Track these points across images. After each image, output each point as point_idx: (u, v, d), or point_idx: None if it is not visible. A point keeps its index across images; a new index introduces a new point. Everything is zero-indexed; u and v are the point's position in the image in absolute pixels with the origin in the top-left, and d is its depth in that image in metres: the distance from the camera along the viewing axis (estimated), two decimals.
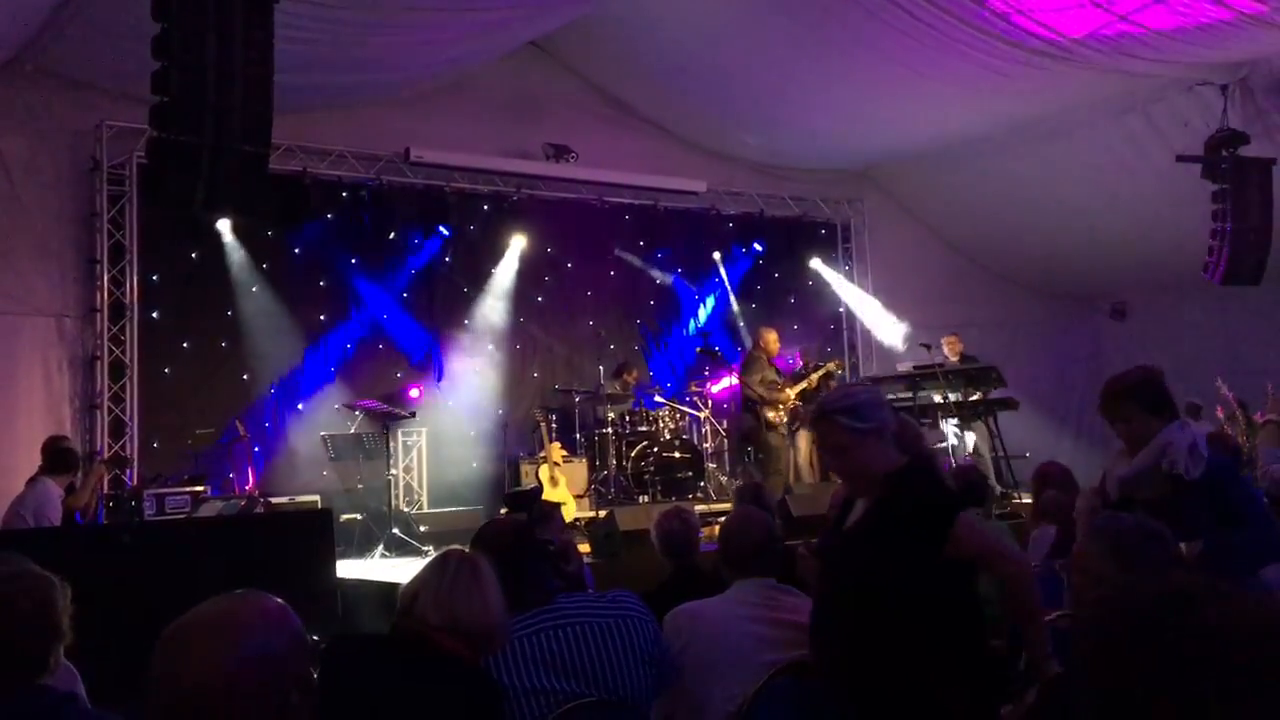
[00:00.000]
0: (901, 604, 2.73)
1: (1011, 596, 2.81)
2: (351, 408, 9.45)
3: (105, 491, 8.54)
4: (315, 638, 1.65)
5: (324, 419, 9.83)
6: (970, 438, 10.11)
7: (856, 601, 2.83)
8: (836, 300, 13.33)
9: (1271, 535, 3.64)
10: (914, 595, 2.73)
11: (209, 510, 7.97)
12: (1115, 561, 2.61)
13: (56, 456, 7.14)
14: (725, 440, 11.20)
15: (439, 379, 10.82)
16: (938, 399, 9.88)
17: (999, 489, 9.40)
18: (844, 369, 12.82)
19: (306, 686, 1.57)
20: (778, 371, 9.60)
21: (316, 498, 8.99)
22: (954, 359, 10.47)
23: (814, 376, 9.85)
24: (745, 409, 9.50)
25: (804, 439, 10.26)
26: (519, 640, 2.75)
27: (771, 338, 9.78)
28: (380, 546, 7.97)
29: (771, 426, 9.15)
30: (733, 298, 12.63)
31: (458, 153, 10.67)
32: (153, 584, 5.26)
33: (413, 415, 9.42)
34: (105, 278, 9.12)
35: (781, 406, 9.17)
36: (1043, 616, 2.81)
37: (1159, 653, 1.11)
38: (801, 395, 9.49)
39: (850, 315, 13.39)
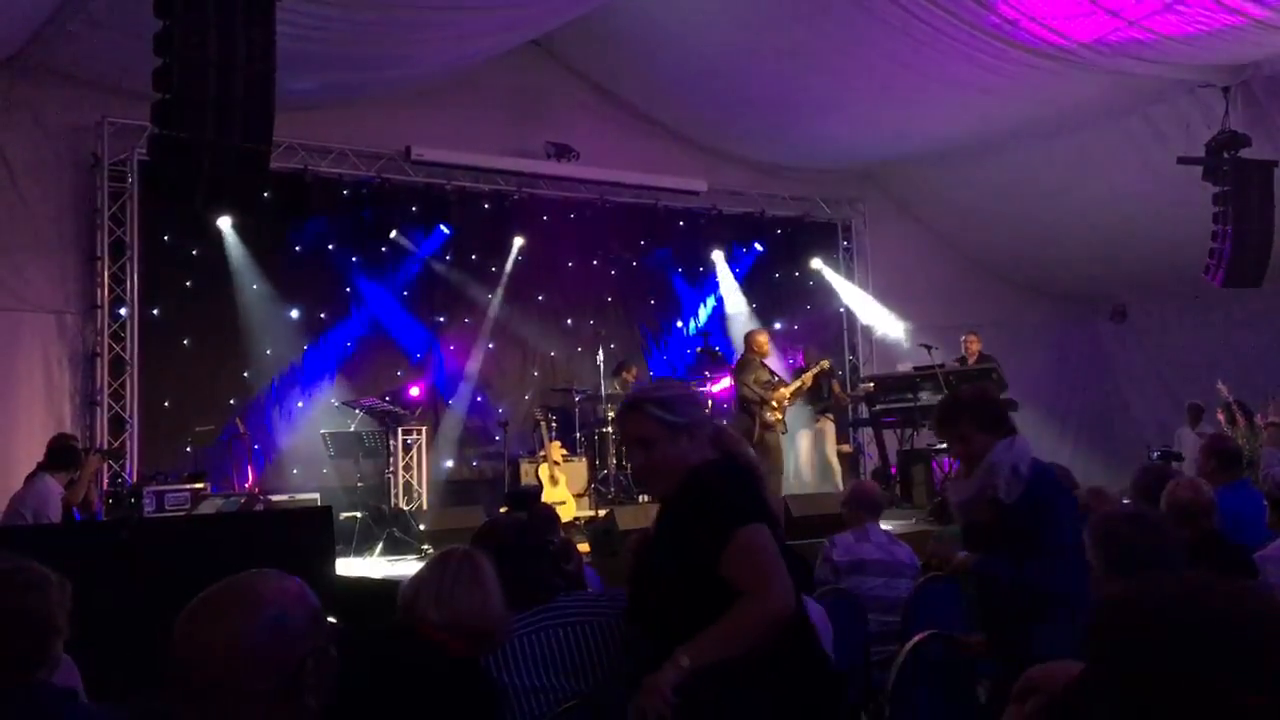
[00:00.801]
0: (688, 610, 2.46)
1: (733, 615, 2.38)
2: (352, 405, 9.44)
3: (105, 488, 8.54)
4: (333, 620, 1.69)
5: (324, 417, 9.83)
6: None
7: (654, 609, 2.62)
8: (837, 300, 13.33)
9: (1058, 577, 3.28)
10: (698, 600, 2.45)
11: (209, 508, 7.97)
12: (1108, 554, 2.60)
13: (57, 453, 7.13)
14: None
15: (440, 379, 10.83)
16: (938, 400, 9.85)
17: None
18: (841, 369, 12.82)
19: (324, 658, 1.61)
20: (770, 372, 9.57)
21: (316, 496, 8.98)
22: (971, 358, 10.45)
23: (807, 375, 9.82)
24: (742, 410, 9.52)
25: (804, 439, 10.26)
26: (519, 638, 2.75)
27: (762, 339, 9.74)
28: (380, 545, 7.96)
29: (768, 426, 9.14)
30: (733, 297, 12.63)
31: (459, 151, 10.67)
32: (152, 581, 5.25)
33: (414, 414, 9.42)
34: (106, 274, 9.12)
35: (777, 406, 9.15)
36: (729, 650, 2.36)
37: (1179, 647, 1.11)
38: (795, 394, 9.48)
39: (851, 315, 13.39)
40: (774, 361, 10.27)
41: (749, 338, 9.86)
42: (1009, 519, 3.40)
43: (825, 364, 10.15)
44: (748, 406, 9.34)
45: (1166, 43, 8.58)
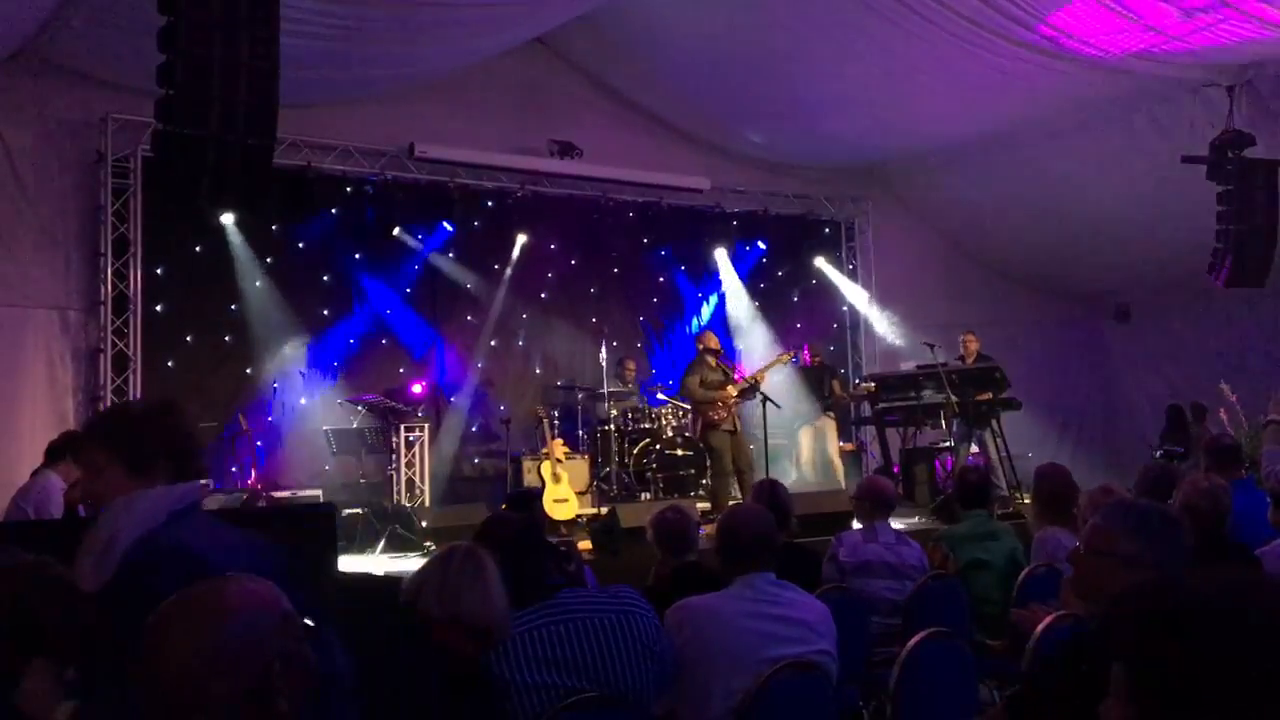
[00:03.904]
0: None
1: None
2: (354, 402, 9.45)
3: None
4: (309, 622, 1.66)
5: (326, 414, 9.83)
6: (977, 436, 10.07)
7: None
8: (840, 298, 13.33)
9: None
10: None
11: (210, 504, 7.96)
12: (1138, 541, 2.52)
13: (51, 447, 7.09)
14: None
15: (442, 376, 10.83)
16: (943, 398, 9.84)
17: (1004, 490, 9.38)
18: (843, 368, 12.80)
19: (294, 660, 1.58)
20: (724, 372, 9.37)
21: (319, 492, 8.99)
22: (970, 357, 10.44)
23: (760, 372, 9.68)
24: (692, 410, 9.42)
25: (805, 437, 10.25)
26: (522, 635, 2.74)
27: (711, 339, 9.60)
28: (382, 542, 7.97)
29: (710, 425, 9.05)
30: (736, 295, 12.62)
31: (462, 149, 10.67)
32: None
33: (417, 412, 9.42)
34: (109, 271, 9.12)
35: (721, 405, 9.03)
36: None
37: (1218, 640, 1.11)
38: (743, 392, 9.33)
39: (853, 313, 13.39)
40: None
41: (699, 338, 9.77)
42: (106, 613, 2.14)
43: (785, 358, 10.04)
44: (695, 406, 9.30)
45: (1204, 51, 8.75)
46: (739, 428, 9.00)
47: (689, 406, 10.94)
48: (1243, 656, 1.10)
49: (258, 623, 1.56)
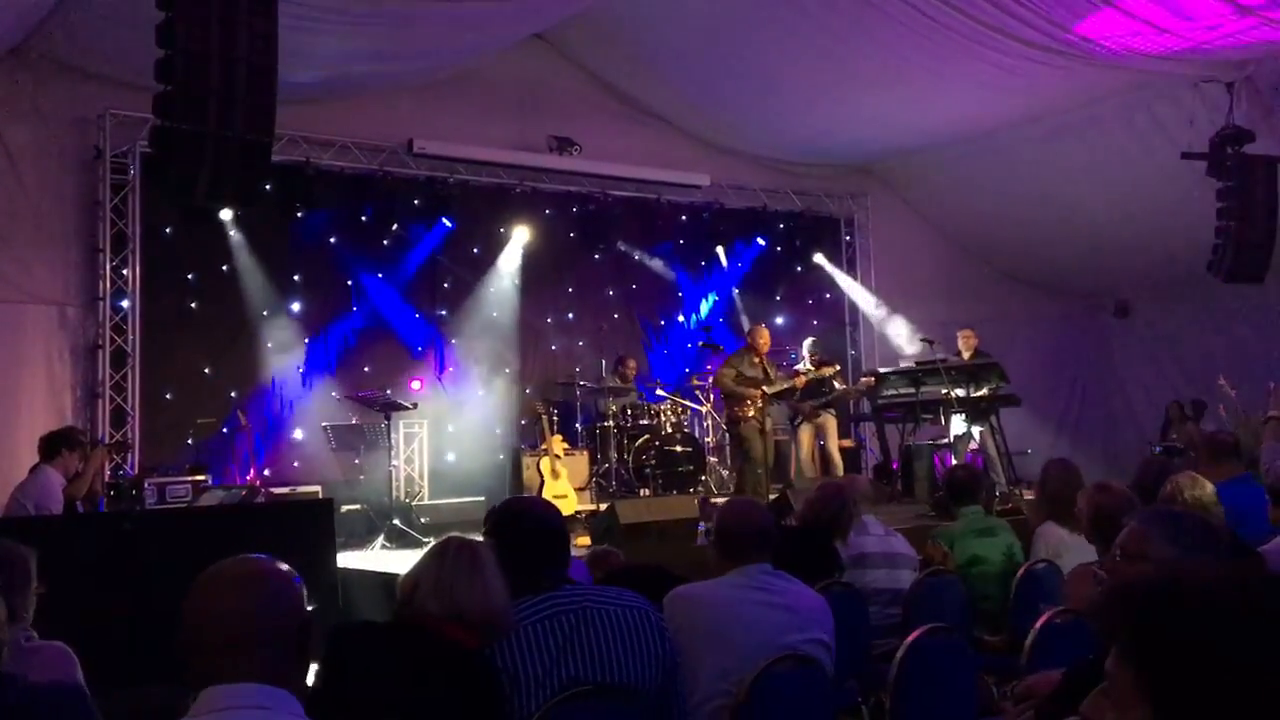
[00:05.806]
0: None
1: None
2: (353, 398, 9.45)
3: (107, 480, 8.55)
4: (310, 607, 1.95)
5: (325, 409, 9.83)
6: (976, 432, 10.07)
7: None
8: (839, 295, 13.32)
9: None
10: None
11: (210, 500, 7.98)
12: (1176, 548, 2.50)
13: (44, 444, 7.08)
14: (727, 434, 11.18)
15: (441, 372, 10.82)
16: (942, 394, 9.83)
17: (1004, 486, 9.38)
18: (842, 364, 12.79)
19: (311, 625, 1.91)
20: (764, 369, 9.36)
21: (317, 488, 8.99)
22: (968, 354, 10.42)
23: (800, 378, 9.63)
24: (724, 401, 9.50)
25: (805, 433, 10.23)
26: (529, 626, 2.73)
27: (759, 335, 9.59)
28: (381, 537, 7.97)
29: (735, 420, 9.11)
30: (735, 292, 12.62)
31: (461, 144, 10.66)
32: (153, 572, 5.27)
33: (414, 407, 9.41)
34: (108, 266, 9.11)
35: (749, 401, 9.05)
36: None
37: (1225, 631, 1.11)
38: (783, 394, 9.34)
39: (853, 310, 13.38)
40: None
41: (749, 332, 9.81)
42: None
43: (827, 371, 10.00)
44: (724, 397, 9.37)
45: (1211, 49, 8.83)
46: (766, 426, 9.03)
47: (687, 403, 10.98)
48: (1265, 653, 1.09)
49: (289, 586, 1.91)
